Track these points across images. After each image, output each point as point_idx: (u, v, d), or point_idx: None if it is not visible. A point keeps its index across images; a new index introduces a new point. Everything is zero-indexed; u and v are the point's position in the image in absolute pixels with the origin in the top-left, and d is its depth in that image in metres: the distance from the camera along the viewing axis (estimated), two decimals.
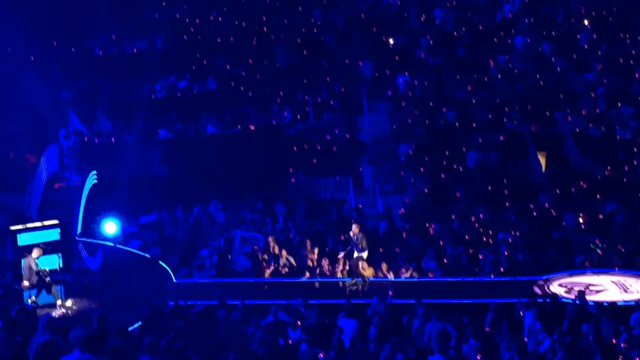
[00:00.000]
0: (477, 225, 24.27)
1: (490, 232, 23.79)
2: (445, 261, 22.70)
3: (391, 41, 31.19)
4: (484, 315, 17.84)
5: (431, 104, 28.74)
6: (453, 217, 24.76)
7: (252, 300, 19.68)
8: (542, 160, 26.55)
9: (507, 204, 24.98)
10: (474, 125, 27.81)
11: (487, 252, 22.63)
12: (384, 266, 21.99)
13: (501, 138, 27.17)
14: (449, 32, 31.02)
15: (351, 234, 21.34)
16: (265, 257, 23.18)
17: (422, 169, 26.66)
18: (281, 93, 30.44)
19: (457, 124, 27.94)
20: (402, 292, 20.43)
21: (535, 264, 22.04)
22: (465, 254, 22.73)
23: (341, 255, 22.25)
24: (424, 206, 25.60)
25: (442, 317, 16.95)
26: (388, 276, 21.77)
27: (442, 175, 26.46)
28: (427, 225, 24.69)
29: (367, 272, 21.49)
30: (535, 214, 24.47)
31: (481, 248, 23.01)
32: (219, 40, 32.57)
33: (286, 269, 22.75)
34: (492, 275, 21.70)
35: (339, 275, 22.46)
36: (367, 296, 19.82)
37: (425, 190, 25.94)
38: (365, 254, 21.25)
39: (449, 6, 31.61)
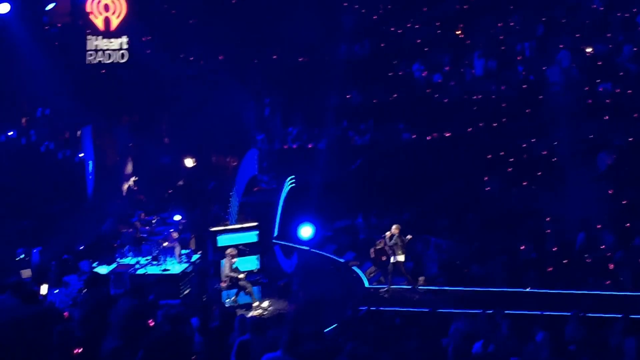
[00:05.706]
0: None
1: None
2: None
3: (589, 49, 30.14)
4: None
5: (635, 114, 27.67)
6: None
7: (446, 309, 19.66)
8: None
9: None
10: None
11: None
12: None
13: None
14: None
15: (388, 234, 21.54)
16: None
17: (623, 180, 25.76)
18: (475, 98, 30.05)
19: None
20: (597, 305, 19.87)
21: None
22: None
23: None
24: (624, 218, 24.74)
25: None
26: None
27: None
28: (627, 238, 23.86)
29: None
30: None
31: None
32: (414, 45, 32.55)
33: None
34: None
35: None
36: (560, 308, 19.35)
37: (625, 202, 25.09)
38: (401, 258, 21.43)
39: None
